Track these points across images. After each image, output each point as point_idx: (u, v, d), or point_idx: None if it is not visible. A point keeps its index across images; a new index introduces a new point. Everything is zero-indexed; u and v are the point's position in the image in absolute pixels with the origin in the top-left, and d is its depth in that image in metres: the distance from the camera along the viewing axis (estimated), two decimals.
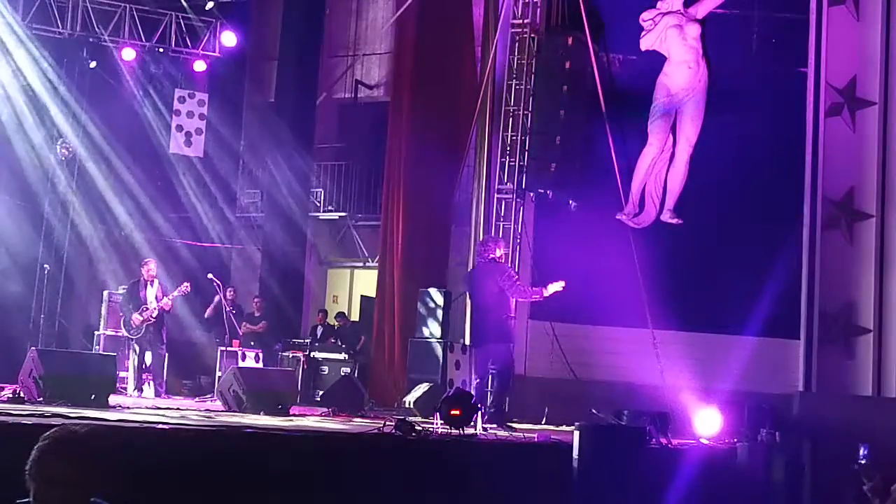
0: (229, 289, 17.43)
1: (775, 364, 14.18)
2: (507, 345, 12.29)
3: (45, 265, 16.90)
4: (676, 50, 15.84)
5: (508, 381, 12.33)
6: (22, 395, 11.21)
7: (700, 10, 15.84)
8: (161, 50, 18.46)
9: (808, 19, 14.09)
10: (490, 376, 12.46)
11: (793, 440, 11.06)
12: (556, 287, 12.07)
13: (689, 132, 15.71)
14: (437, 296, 15.65)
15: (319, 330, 17.96)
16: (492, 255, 12.29)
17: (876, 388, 13.18)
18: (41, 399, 10.93)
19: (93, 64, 18.01)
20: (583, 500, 9.11)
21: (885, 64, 13.93)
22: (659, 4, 15.96)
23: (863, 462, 9.78)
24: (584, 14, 15.26)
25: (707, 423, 11.92)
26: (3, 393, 11.43)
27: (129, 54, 18.12)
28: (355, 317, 19.36)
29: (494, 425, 11.58)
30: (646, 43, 15.98)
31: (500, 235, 15.89)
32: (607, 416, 11.76)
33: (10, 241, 16.73)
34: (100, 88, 18.01)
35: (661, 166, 15.79)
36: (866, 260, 13.64)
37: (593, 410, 12.25)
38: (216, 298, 16.30)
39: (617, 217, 15.70)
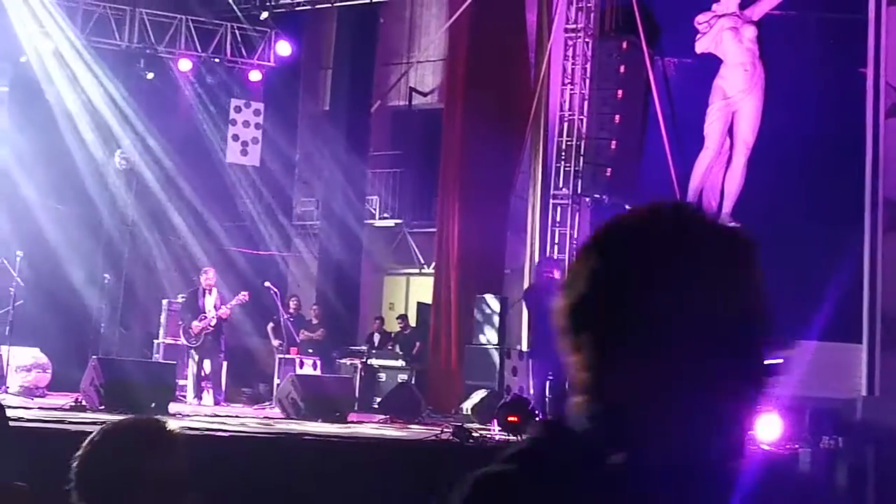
0: (293, 298, 17.54)
1: (837, 368, 13.99)
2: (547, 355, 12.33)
3: (106, 275, 17.09)
4: (732, 52, 15.69)
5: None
6: (83, 403, 11.34)
7: (756, 12, 15.69)
8: (217, 60, 18.62)
9: (867, 19, 13.92)
10: (548, 385, 12.45)
11: (856, 446, 10.90)
12: None
13: (745, 135, 15.56)
14: (493, 302, 15.62)
15: (376, 337, 18.00)
16: (550, 276, 12.49)
17: None
18: (102, 407, 11.04)
19: (150, 75, 18.21)
20: None
21: None
22: (714, 7, 15.84)
23: None
24: (638, 18, 15.18)
25: (768, 428, 11.78)
26: (65, 402, 11.56)
27: (185, 65, 18.30)
28: (412, 324, 19.38)
29: None
30: (701, 46, 15.86)
31: (556, 241, 15.85)
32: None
33: (71, 252, 16.93)
34: (157, 99, 18.21)
35: (718, 170, 15.65)
36: None
37: None
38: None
39: None
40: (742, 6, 15.73)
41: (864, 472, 10.68)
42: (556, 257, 12.95)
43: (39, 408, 10.94)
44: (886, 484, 10.56)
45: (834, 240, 14.35)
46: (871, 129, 13.63)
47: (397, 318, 18.60)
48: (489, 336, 15.47)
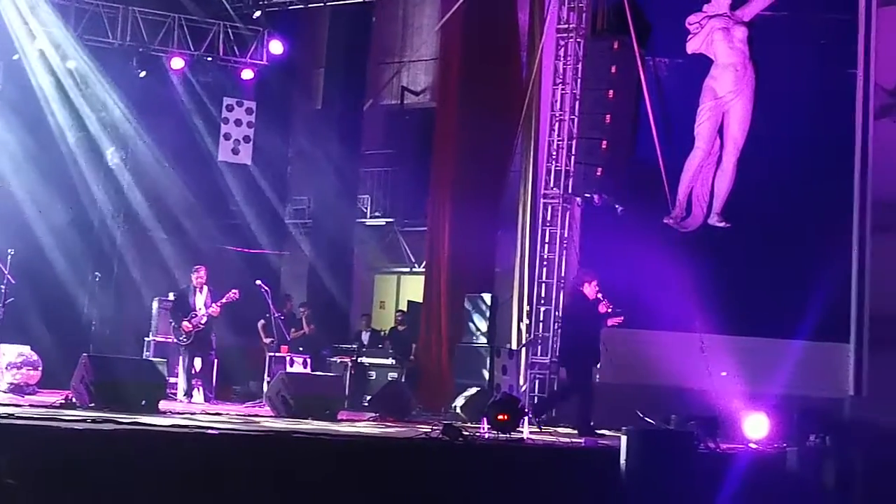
0: (287, 298, 17.59)
1: (825, 368, 14.05)
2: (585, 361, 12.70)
3: (97, 273, 17.09)
4: (723, 53, 15.74)
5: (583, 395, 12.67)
6: (74, 400, 11.35)
7: (747, 13, 15.73)
8: (209, 59, 18.62)
9: (857, 20, 13.98)
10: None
11: (843, 444, 10.95)
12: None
13: (736, 135, 15.60)
14: (483, 301, 15.68)
15: (364, 335, 18.04)
16: (579, 289, 12.79)
17: None
18: (92, 405, 11.06)
19: (142, 73, 18.22)
20: None
21: None
22: (705, 7, 15.87)
23: None
24: (629, 18, 15.21)
25: (756, 427, 11.84)
26: (55, 399, 11.57)
27: (177, 63, 18.31)
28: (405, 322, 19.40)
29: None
30: (692, 46, 15.90)
31: (547, 240, 15.91)
32: (655, 421, 11.73)
33: (62, 249, 16.94)
34: (149, 97, 18.21)
35: (709, 170, 15.70)
36: None
37: (640, 415, 12.22)
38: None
39: (664, 221, 15.63)
40: (733, 7, 15.77)
41: (852, 471, 10.73)
42: (588, 270, 13.10)
43: (30, 405, 10.97)
44: (873, 482, 10.62)
45: (823, 240, 14.42)
46: (861, 130, 13.70)
47: (396, 313, 18.66)
48: (479, 335, 15.53)
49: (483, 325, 15.55)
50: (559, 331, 14.33)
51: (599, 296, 12.68)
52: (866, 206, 13.76)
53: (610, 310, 12.64)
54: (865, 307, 13.74)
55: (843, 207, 14.22)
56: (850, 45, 14.52)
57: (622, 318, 12.71)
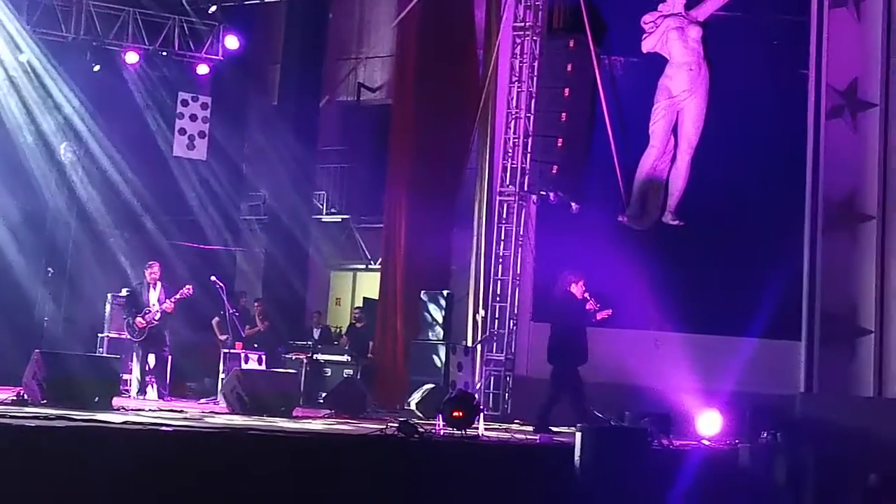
0: (242, 295, 17.51)
1: (777, 365, 14.18)
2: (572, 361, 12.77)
3: (49, 268, 16.94)
4: (678, 52, 15.86)
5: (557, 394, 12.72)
6: (26, 397, 11.25)
7: (701, 13, 15.86)
8: (164, 53, 18.49)
9: (810, 22, 14.11)
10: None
11: (794, 441, 11.09)
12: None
13: (690, 134, 15.73)
14: (439, 298, 15.70)
15: (316, 332, 18.01)
16: (567, 290, 12.82)
17: (877, 389, 13.20)
18: (45, 401, 10.97)
19: (96, 67, 18.06)
20: (585, 501, 9.14)
21: (886, 65, 13.95)
22: (660, 7, 15.99)
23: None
24: (585, 17, 15.30)
25: (709, 424, 11.95)
26: (6, 396, 11.46)
27: (132, 58, 18.16)
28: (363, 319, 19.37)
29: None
30: (647, 45, 16.00)
31: (503, 237, 15.95)
32: (609, 418, 11.81)
33: (15, 244, 16.77)
34: (104, 92, 18.04)
35: (663, 168, 15.81)
36: (867, 261, 13.65)
37: (595, 412, 12.30)
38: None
39: (618, 219, 15.73)
40: (688, 7, 15.89)
41: (802, 467, 10.86)
42: (575, 270, 13.08)
43: None
44: (824, 478, 10.75)
45: (775, 239, 14.56)
46: (813, 130, 13.82)
47: (354, 310, 18.63)
48: (435, 332, 15.55)
49: (439, 322, 15.57)
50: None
51: (586, 295, 12.76)
52: (818, 205, 13.88)
53: (598, 306, 12.72)
54: (816, 305, 13.87)
55: (795, 206, 14.33)
56: (803, 46, 14.65)
57: (610, 311, 12.76)
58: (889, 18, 14.02)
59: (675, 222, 15.70)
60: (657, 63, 15.95)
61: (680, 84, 15.80)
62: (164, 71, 18.66)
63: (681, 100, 15.78)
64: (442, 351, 15.22)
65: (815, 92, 13.89)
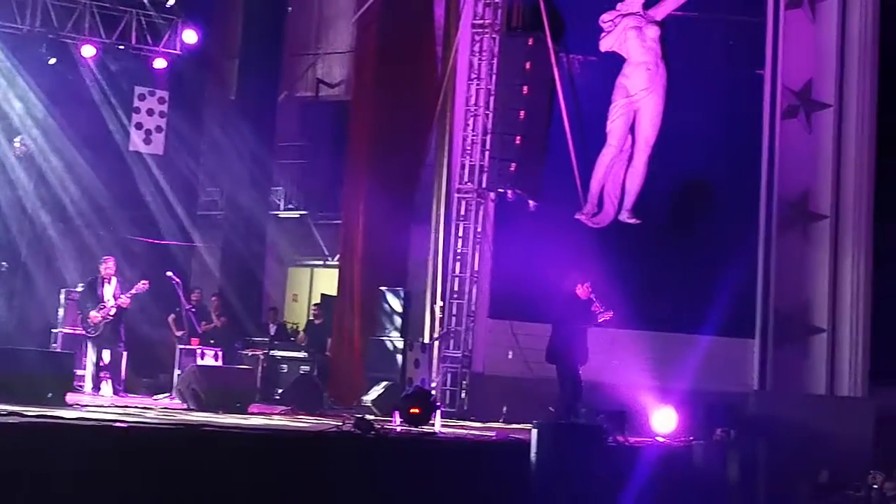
0: (195, 291, 17.39)
1: (731, 363, 14.33)
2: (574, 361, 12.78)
3: (3, 263, 16.76)
4: (635, 51, 15.96)
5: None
6: None
7: (659, 13, 15.97)
8: (121, 47, 18.31)
9: (766, 23, 14.25)
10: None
11: (747, 438, 11.20)
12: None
13: (647, 133, 15.83)
14: (397, 294, 15.68)
15: (271, 328, 17.95)
16: (572, 291, 12.84)
17: (829, 387, 13.37)
18: None
19: (52, 60, 17.86)
20: (541, 498, 9.19)
21: (841, 67, 14.13)
22: (619, 6, 16.08)
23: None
24: (544, 15, 15.36)
25: (663, 421, 12.04)
26: None
27: (88, 51, 17.97)
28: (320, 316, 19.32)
29: None
30: (605, 44, 16.09)
31: (461, 234, 15.98)
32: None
33: None
34: (59, 85, 17.84)
35: (620, 167, 15.90)
36: (820, 260, 13.83)
37: (551, 409, 12.36)
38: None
39: (576, 217, 15.80)
40: (646, 6, 15.99)
41: (755, 464, 10.99)
42: (581, 272, 13.08)
43: None
44: (776, 475, 10.88)
45: (730, 237, 14.70)
46: (768, 129, 13.99)
47: (312, 306, 18.56)
48: (392, 328, 15.52)
49: (396, 319, 15.55)
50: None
51: (592, 297, 12.79)
52: (772, 204, 14.05)
53: (602, 309, 12.76)
54: (770, 303, 14.03)
55: (751, 205, 14.51)
56: (759, 46, 14.81)
57: (612, 313, 12.79)
58: (844, 20, 14.20)
59: (632, 220, 15.79)
60: (615, 62, 16.04)
61: (637, 83, 15.89)
62: (120, 64, 18.49)
63: (638, 99, 15.88)
64: (399, 347, 15.22)
65: (771, 92, 14.07)
